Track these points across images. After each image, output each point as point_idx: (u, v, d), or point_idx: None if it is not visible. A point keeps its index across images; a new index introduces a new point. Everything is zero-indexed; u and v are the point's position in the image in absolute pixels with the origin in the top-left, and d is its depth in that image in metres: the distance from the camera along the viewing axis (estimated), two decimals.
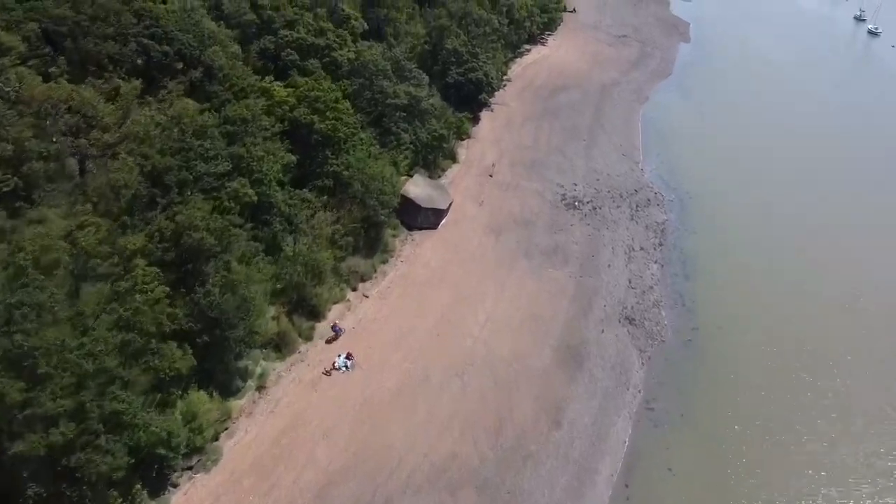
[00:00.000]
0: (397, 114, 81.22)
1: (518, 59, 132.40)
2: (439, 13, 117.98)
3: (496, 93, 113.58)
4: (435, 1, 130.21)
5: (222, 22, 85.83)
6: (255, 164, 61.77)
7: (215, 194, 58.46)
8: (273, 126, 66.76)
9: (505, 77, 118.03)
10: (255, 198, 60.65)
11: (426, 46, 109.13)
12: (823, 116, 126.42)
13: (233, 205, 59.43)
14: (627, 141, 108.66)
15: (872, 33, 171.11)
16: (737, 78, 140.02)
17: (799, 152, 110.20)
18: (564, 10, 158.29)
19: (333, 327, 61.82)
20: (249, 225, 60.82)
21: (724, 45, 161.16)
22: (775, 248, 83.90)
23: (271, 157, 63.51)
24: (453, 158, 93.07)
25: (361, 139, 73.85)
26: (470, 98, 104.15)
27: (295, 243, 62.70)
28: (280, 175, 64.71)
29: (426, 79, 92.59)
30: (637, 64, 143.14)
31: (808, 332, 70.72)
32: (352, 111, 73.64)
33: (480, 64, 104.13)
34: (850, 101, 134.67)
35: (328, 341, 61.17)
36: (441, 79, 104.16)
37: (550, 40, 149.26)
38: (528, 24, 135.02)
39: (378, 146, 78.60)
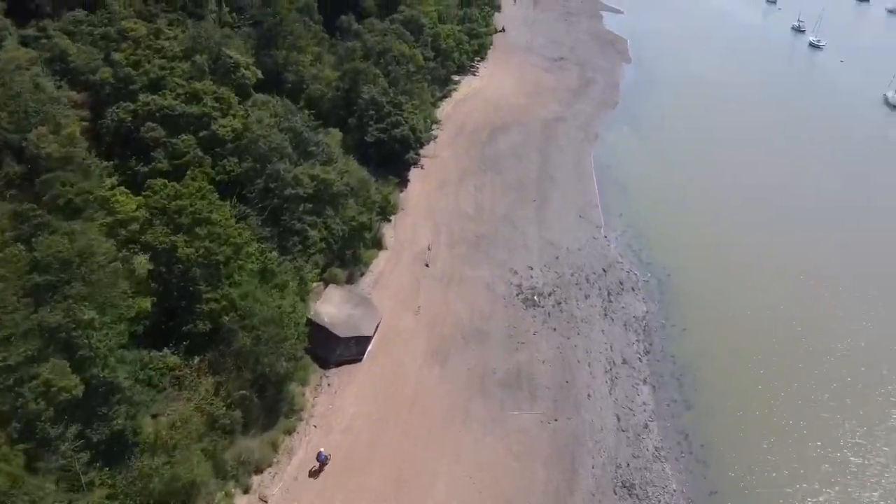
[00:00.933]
0: (301, 206, 60.91)
1: (447, 97, 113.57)
2: (353, 49, 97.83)
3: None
4: (348, 32, 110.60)
5: (65, 82, 63.96)
6: (79, 335, 40.65)
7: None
8: (115, 258, 45.54)
9: (434, 123, 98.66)
10: (79, 389, 39.66)
11: (338, 93, 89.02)
12: (790, 151, 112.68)
13: (42, 407, 38.29)
14: (583, 197, 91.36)
15: (815, 46, 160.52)
16: (688, 104, 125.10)
17: (775, 193, 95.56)
18: (494, 32, 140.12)
19: None
20: (74, 430, 39.72)
21: (666, 64, 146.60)
22: (785, 335, 68.20)
23: (108, 315, 42.39)
24: (378, 245, 73.41)
25: (250, 255, 53.25)
26: (395, 157, 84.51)
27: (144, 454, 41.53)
28: (124, 337, 43.70)
29: (337, 153, 72.53)
30: (579, 92, 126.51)
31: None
32: (233, 221, 52.84)
33: (406, 116, 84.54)
34: (817, 133, 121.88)
35: None
36: (359, 134, 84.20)
37: (482, 68, 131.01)
38: (456, 54, 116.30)
39: (277, 253, 58.21)
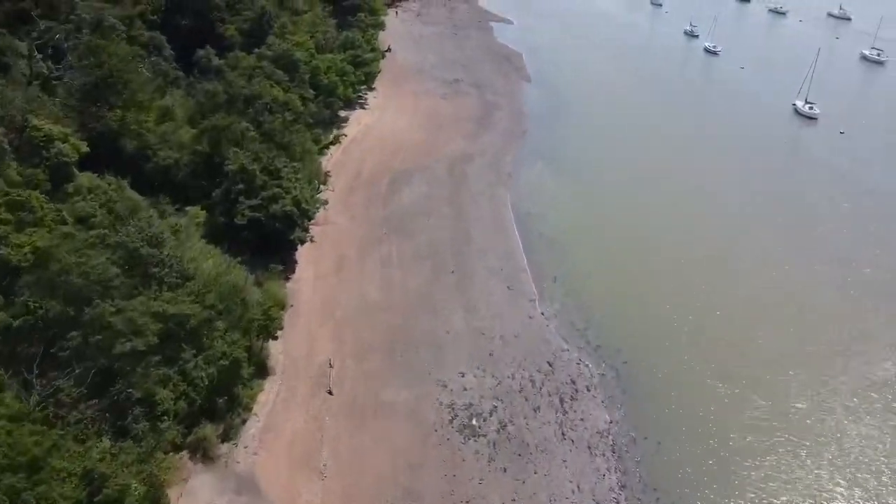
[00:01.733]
0: (143, 362, 42.25)
1: (335, 143, 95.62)
2: (215, 93, 78.86)
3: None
4: (208, 69, 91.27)
5: None
6: None
7: None
8: None
9: (322, 184, 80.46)
10: None
11: (197, 158, 69.82)
12: (715, 175, 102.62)
13: None
14: (508, 259, 76.50)
15: (711, 52, 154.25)
16: (599, 128, 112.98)
17: (713, 227, 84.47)
18: (381, 56, 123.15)
19: None
20: None
21: (568, 81, 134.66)
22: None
23: None
24: (263, 370, 55.39)
25: (57, 472, 34.50)
26: (277, 239, 66.55)
27: None
28: None
29: (196, 249, 53.89)
30: (484, 122, 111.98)
31: None
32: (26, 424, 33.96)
33: (286, 184, 66.65)
34: (737, 151, 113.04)
35: None
36: (227, 211, 65.52)
37: (371, 100, 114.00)
38: (340, 89, 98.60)
39: (109, 439, 39.51)
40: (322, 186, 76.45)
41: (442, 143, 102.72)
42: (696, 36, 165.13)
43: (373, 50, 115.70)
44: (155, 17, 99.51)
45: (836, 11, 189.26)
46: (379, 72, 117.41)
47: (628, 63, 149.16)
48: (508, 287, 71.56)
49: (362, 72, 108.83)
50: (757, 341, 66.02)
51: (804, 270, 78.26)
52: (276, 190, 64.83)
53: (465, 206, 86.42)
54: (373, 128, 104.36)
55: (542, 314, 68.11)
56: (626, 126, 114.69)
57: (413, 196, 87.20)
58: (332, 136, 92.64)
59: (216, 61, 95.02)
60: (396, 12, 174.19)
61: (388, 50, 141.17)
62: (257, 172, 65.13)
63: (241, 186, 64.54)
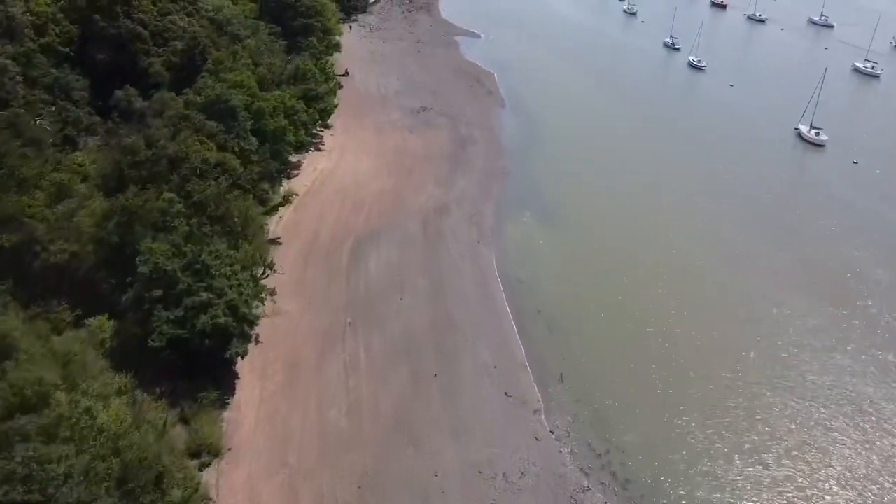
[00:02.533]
0: None
1: (285, 205, 79.76)
2: (135, 148, 63.25)
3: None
4: (128, 114, 75.92)
5: None
6: None
7: None
8: None
9: (269, 268, 64.24)
10: None
11: (104, 247, 53.88)
12: (728, 220, 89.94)
13: None
14: (502, 352, 61.80)
15: (695, 67, 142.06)
16: (588, 163, 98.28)
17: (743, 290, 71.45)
18: (337, 84, 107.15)
19: None
20: None
21: (544, 104, 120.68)
22: None
23: None
24: None
25: None
26: (211, 357, 51.09)
27: None
28: None
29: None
30: (458, 160, 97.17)
31: None
32: None
33: (219, 286, 51.09)
34: (748, 188, 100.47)
35: None
36: (141, 322, 49.73)
37: (328, 139, 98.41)
38: (290, 134, 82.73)
39: None
40: (268, 271, 60.76)
41: (412, 190, 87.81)
42: (678, 49, 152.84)
43: (328, 79, 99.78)
44: (67, 49, 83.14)
45: (817, 18, 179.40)
46: (336, 105, 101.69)
47: (609, 81, 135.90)
48: (506, 393, 57.05)
49: (316, 109, 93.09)
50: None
51: (871, 379, 65.39)
52: (205, 296, 49.19)
53: (444, 275, 71.62)
54: (331, 174, 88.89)
55: (552, 433, 53.68)
56: (615, 160, 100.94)
57: (381, 265, 72.06)
58: (281, 195, 76.83)
59: (139, 103, 78.94)
60: (350, 27, 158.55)
61: (346, 74, 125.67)
62: (179, 273, 49.44)
63: (157, 293, 48.81)
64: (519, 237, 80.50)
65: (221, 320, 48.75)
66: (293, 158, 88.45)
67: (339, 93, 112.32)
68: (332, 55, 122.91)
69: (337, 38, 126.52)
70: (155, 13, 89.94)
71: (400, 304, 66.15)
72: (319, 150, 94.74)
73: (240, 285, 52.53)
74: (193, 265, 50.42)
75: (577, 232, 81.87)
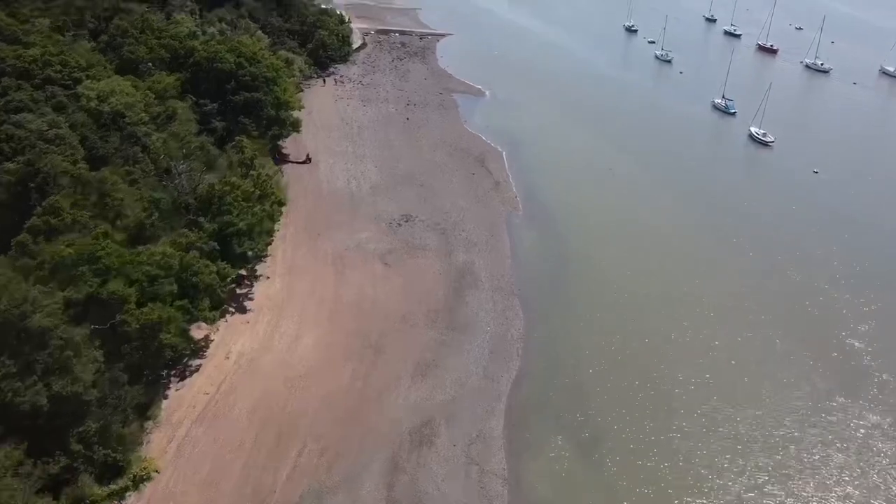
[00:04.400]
0: None
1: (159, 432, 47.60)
2: None
3: None
4: None
5: None
6: None
7: None
8: None
9: None
10: None
11: None
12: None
13: None
14: None
15: (760, 141, 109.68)
16: (650, 329, 67.20)
17: None
18: (280, 203, 73.88)
19: None
20: None
21: (569, 204, 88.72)
22: None
23: None
24: None
25: None
26: None
27: None
28: None
29: None
30: (450, 322, 63.94)
31: None
32: None
33: None
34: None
35: None
36: None
37: (261, 286, 66.77)
38: (170, 334, 50.47)
39: None
40: None
41: (378, 392, 55.51)
42: (732, 113, 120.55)
43: (265, 199, 67.54)
44: None
45: (893, 70, 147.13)
46: (274, 236, 69.79)
47: (651, 165, 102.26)
48: None
49: (251, 247, 61.51)
50: None
51: None
52: None
53: None
54: (251, 367, 56.67)
55: None
56: (692, 330, 68.99)
57: None
58: (129, 476, 44.13)
59: None
60: (325, 81, 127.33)
61: (307, 161, 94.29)
62: None
63: None
64: (549, 492, 48.40)
65: None
66: (196, 333, 56.67)
67: (294, 192, 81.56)
68: (278, 175, 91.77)
69: (295, 114, 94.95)
70: None
71: None
72: (243, 311, 63.01)
73: None
74: None
75: (647, 477, 49.71)
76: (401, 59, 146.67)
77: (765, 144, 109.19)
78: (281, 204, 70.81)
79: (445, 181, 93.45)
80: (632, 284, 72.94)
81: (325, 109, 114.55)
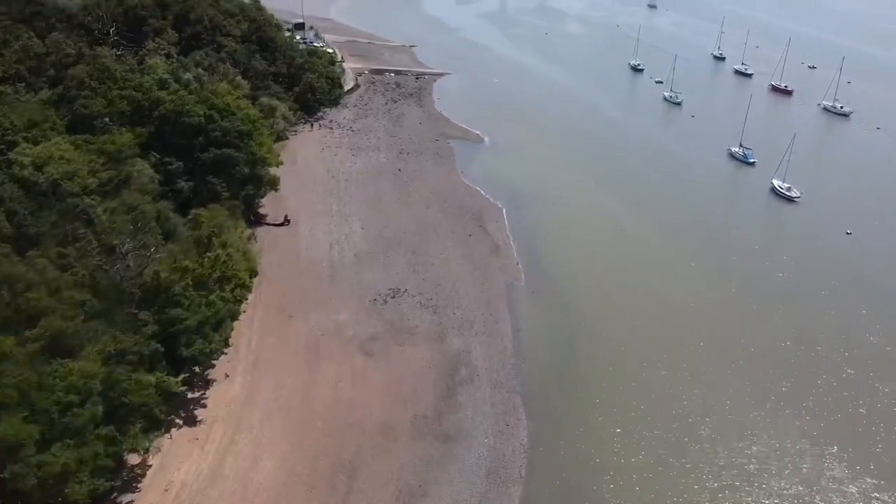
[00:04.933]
0: None
1: None
2: None
3: None
4: None
5: None
6: None
7: None
8: None
9: None
10: None
11: None
12: None
13: None
14: None
15: (783, 196, 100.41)
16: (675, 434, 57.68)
17: None
18: (241, 299, 63.50)
19: None
20: None
21: (577, 273, 79.09)
22: None
23: None
24: None
25: None
26: None
27: None
28: None
29: None
30: (441, 433, 53.53)
31: None
32: None
33: None
34: None
35: None
36: None
37: (218, 387, 56.51)
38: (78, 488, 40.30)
39: None
40: None
41: None
42: (752, 163, 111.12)
43: (232, 289, 57.63)
44: None
45: None
46: (240, 318, 59.90)
47: (673, 225, 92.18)
48: None
49: (176, 382, 51.56)
50: None
51: None
52: None
53: None
54: (193, 501, 46.53)
55: None
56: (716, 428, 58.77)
57: None
58: None
59: None
60: (312, 126, 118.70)
61: (285, 223, 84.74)
62: None
63: None
64: None
65: None
66: (131, 459, 46.43)
67: (268, 260, 72.20)
68: (263, 195, 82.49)
69: (273, 170, 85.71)
70: None
71: None
72: (194, 417, 52.75)
73: None
74: None
75: None
76: (395, 102, 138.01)
77: (790, 200, 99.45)
78: (248, 283, 60.78)
79: (439, 245, 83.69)
80: (652, 374, 62.70)
81: (310, 159, 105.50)
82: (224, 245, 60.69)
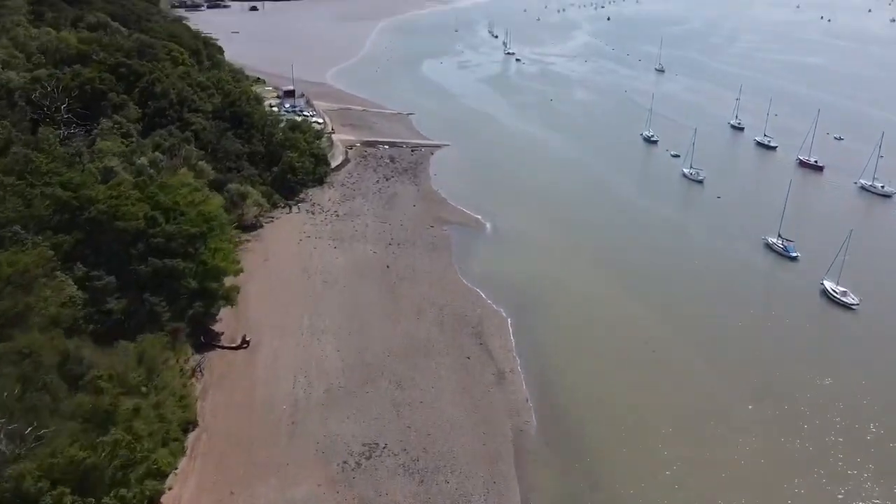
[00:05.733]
0: None
1: None
2: None
3: None
4: None
5: None
6: None
7: None
8: None
9: None
10: None
11: None
12: None
13: None
14: None
15: (837, 301, 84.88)
16: None
17: None
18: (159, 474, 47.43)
19: None
20: None
21: (602, 414, 64.21)
22: None
23: None
24: None
25: None
26: None
27: None
28: None
29: None
30: None
31: None
32: None
33: None
34: None
35: None
36: None
37: None
38: None
39: None
40: None
41: None
42: (794, 258, 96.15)
43: (142, 479, 42.11)
44: None
45: None
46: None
47: (710, 341, 76.03)
48: None
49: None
50: None
51: None
52: None
53: None
54: None
55: None
56: None
57: None
58: None
59: None
60: (290, 209, 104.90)
61: (244, 345, 69.42)
62: None
63: None
64: None
65: None
66: None
67: (214, 402, 56.78)
68: (216, 312, 67.23)
69: (231, 279, 70.94)
70: None
71: None
72: None
73: None
74: None
75: None
76: (387, 179, 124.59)
77: (847, 307, 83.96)
78: (164, 468, 45.00)
79: (430, 374, 67.93)
80: None
81: (283, 254, 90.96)
82: (137, 412, 45.10)
